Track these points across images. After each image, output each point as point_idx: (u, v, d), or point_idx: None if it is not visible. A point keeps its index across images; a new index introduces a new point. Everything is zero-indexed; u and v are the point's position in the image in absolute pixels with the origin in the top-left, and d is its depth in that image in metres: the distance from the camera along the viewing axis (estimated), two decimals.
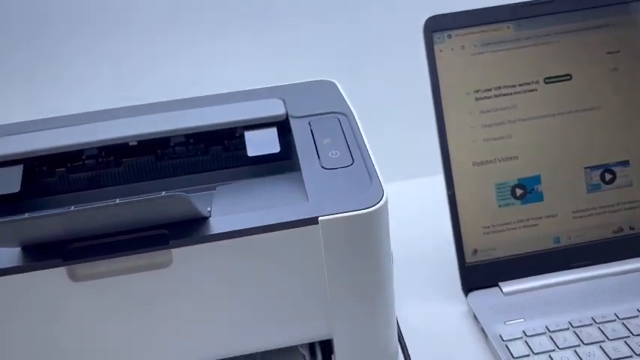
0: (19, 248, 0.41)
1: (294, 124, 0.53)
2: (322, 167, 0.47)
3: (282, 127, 0.54)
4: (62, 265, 0.41)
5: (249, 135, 0.53)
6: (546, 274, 0.57)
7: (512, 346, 0.50)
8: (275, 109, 0.55)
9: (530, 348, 0.50)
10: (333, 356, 0.48)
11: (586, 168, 0.58)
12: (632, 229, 0.59)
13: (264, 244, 0.42)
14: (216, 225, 0.42)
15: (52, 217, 0.37)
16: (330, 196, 0.43)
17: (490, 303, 0.55)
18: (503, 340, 0.51)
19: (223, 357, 0.46)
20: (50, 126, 0.56)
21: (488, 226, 0.58)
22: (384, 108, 0.79)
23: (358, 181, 0.45)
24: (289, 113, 0.54)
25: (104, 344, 0.44)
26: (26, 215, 0.37)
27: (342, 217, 0.42)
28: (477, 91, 0.57)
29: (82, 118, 0.57)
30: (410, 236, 0.67)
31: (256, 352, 0.47)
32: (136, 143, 0.54)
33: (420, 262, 0.63)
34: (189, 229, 0.42)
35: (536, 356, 0.49)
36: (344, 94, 0.57)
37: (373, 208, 0.42)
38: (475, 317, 0.55)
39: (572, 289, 0.55)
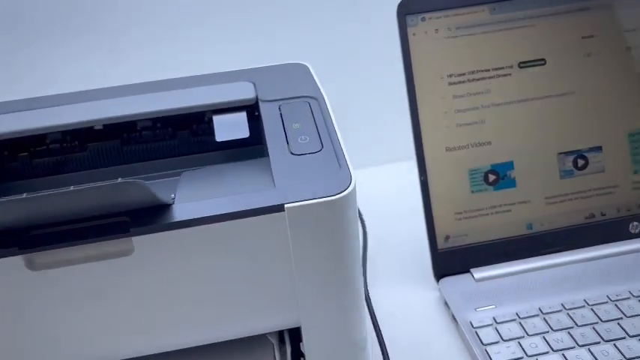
0: None
1: (263, 109, 0.52)
2: (291, 153, 0.46)
3: (252, 111, 0.53)
4: (19, 254, 0.39)
5: (217, 119, 0.52)
6: (518, 261, 0.57)
7: (482, 332, 0.50)
8: (244, 92, 0.54)
9: (499, 335, 0.50)
10: (301, 344, 0.47)
11: (559, 154, 0.58)
12: (604, 215, 0.59)
13: (229, 232, 0.41)
14: (180, 212, 0.41)
15: (4, 205, 0.36)
16: (297, 183, 0.42)
17: (461, 289, 0.55)
18: (473, 327, 0.51)
19: (188, 346, 0.45)
20: (12, 109, 0.54)
21: (461, 212, 0.57)
22: (357, 91, 0.77)
23: (326, 167, 0.44)
24: (259, 97, 0.53)
25: (64, 335, 0.43)
26: None
27: (309, 204, 0.41)
28: (451, 76, 0.56)
29: (45, 102, 0.55)
30: (383, 221, 0.66)
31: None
32: (101, 127, 0.52)
33: (392, 248, 0.63)
34: (152, 216, 0.40)
35: (505, 343, 0.49)
36: (316, 78, 0.56)
37: (340, 195, 0.41)
38: (446, 304, 0.55)
39: (543, 276, 0.55)
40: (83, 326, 0.42)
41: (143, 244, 0.40)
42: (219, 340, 0.46)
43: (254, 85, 0.55)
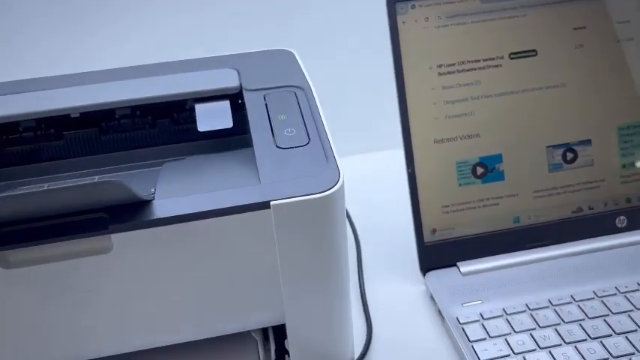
0: None
1: (248, 98, 0.50)
2: (276, 146, 0.44)
3: (236, 100, 0.51)
4: None
5: (199, 108, 0.50)
6: (505, 254, 0.56)
7: (469, 329, 0.49)
8: (228, 80, 0.52)
9: (486, 331, 0.49)
10: (286, 341, 0.46)
11: (548, 147, 0.57)
12: (592, 209, 0.58)
13: (212, 230, 0.39)
14: (160, 209, 0.39)
15: None
16: (283, 179, 0.41)
17: (448, 283, 0.54)
18: (460, 323, 0.50)
19: (169, 344, 0.44)
20: None
21: (448, 206, 0.56)
22: (344, 79, 0.76)
23: (314, 162, 0.42)
24: (243, 85, 0.51)
25: (40, 335, 0.41)
26: None
27: (296, 201, 0.39)
28: (440, 66, 0.55)
29: (20, 86, 0.53)
30: (368, 212, 0.65)
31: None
32: (78, 115, 0.50)
33: (377, 240, 0.62)
34: (131, 213, 0.39)
35: (492, 340, 0.48)
36: (302, 65, 0.55)
37: (328, 192, 0.40)
38: (432, 298, 0.54)
39: (530, 270, 0.55)
40: (59, 326, 0.41)
41: (122, 241, 0.39)
42: (201, 338, 0.45)
43: (238, 72, 0.53)
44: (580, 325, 0.49)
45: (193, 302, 0.42)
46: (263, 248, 0.41)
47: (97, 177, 0.31)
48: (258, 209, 0.39)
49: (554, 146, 0.57)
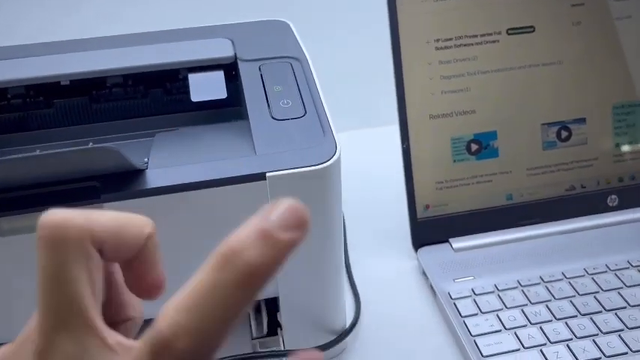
0: None
1: (242, 68, 0.49)
2: (272, 118, 0.43)
3: (230, 70, 0.50)
4: None
5: (193, 78, 0.49)
6: (497, 231, 0.56)
7: (460, 304, 0.50)
8: (222, 50, 0.51)
9: (478, 307, 0.49)
10: (278, 314, 0.46)
11: (543, 125, 0.57)
12: (584, 187, 0.58)
13: (206, 201, 0.39)
14: (153, 178, 0.39)
15: None
16: (279, 150, 0.40)
17: (440, 259, 0.54)
18: (452, 298, 0.50)
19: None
20: None
21: (442, 182, 0.56)
22: (341, 54, 0.75)
23: (310, 134, 0.42)
24: (238, 55, 0.51)
25: (31, 304, 0.40)
26: None
27: (292, 173, 0.39)
28: (438, 40, 0.54)
29: (9, 53, 0.51)
30: (361, 187, 0.65)
31: None
32: (68, 83, 0.49)
33: (370, 215, 0.62)
34: (123, 181, 0.38)
35: (483, 315, 0.49)
36: (297, 37, 0.54)
37: (325, 165, 0.39)
38: (424, 273, 0.54)
39: (522, 247, 0.55)
40: None
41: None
42: None
43: (232, 42, 0.52)
44: (571, 301, 0.49)
45: (186, 276, 0.42)
46: None
47: (90, 144, 0.30)
48: (254, 180, 0.39)
49: (549, 124, 0.57)
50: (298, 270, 0.43)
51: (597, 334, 0.46)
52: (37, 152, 0.29)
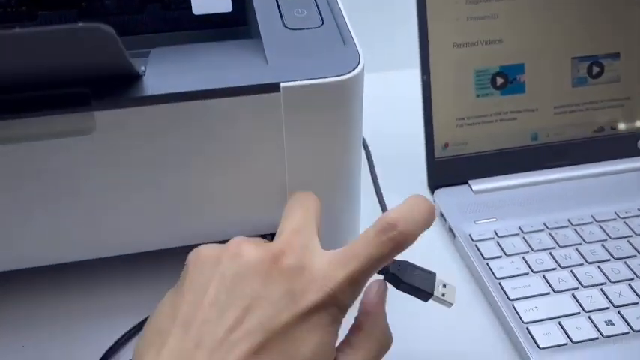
0: None
1: None
2: (285, 27, 0.38)
3: None
4: None
5: None
6: (520, 174, 0.52)
7: (482, 246, 0.46)
8: None
9: (502, 249, 0.45)
10: None
11: (573, 59, 0.52)
12: (614, 129, 0.54)
13: (211, 113, 0.34)
14: (152, 85, 0.34)
15: None
16: (295, 60, 0.36)
17: (458, 201, 0.50)
18: (473, 240, 0.46)
19: (153, 249, 0.39)
20: None
21: (463, 118, 0.52)
22: None
23: (329, 44, 0.37)
24: None
25: (13, 223, 0.36)
26: None
27: (310, 84, 0.34)
28: None
29: None
30: (379, 128, 0.60)
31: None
32: None
33: (385, 155, 0.57)
34: (117, 87, 0.33)
35: (508, 257, 0.45)
36: None
37: (348, 76, 0.35)
38: (442, 215, 0.50)
39: (546, 190, 0.51)
40: (34, 215, 0.36)
41: (107, 121, 0.33)
42: (191, 244, 0.41)
43: None
44: (603, 245, 0.45)
45: (187, 200, 0.37)
46: (269, 138, 0.36)
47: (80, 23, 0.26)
48: (266, 91, 0.34)
49: (580, 58, 0.52)
50: (316, 193, 0.38)
51: (633, 279, 0.43)
52: (16, 29, 0.24)
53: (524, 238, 0.46)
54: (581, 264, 0.44)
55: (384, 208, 0.49)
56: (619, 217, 0.48)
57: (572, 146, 0.53)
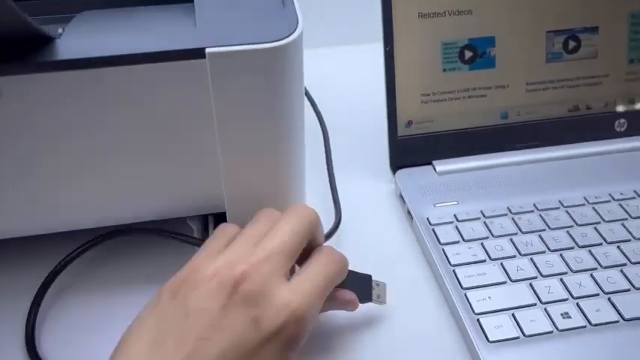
0: None
1: None
2: None
3: None
4: None
5: None
6: (488, 154, 0.49)
7: (439, 230, 0.43)
8: None
9: (460, 234, 0.43)
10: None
11: (548, 32, 0.49)
12: (589, 108, 0.51)
13: (131, 81, 0.31)
14: (67, 49, 0.31)
15: None
16: (225, 24, 0.33)
17: (420, 182, 0.47)
18: (430, 223, 0.44)
19: (79, 228, 0.36)
20: None
21: (428, 94, 0.49)
22: None
23: (266, 6, 0.34)
24: None
25: None
26: None
27: (240, 50, 0.31)
28: None
29: None
30: (337, 104, 0.57)
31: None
32: None
33: (347, 133, 0.55)
34: (27, 51, 0.30)
35: (466, 243, 0.42)
36: None
37: (281, 42, 0.32)
38: (402, 197, 0.47)
39: (515, 173, 0.48)
40: None
41: (13, 87, 0.30)
42: (122, 223, 0.38)
43: None
44: (568, 232, 0.43)
45: (106, 176, 0.34)
46: (195, 108, 0.33)
47: None
48: (190, 58, 0.31)
49: (555, 32, 0.49)
50: (248, 176, 0.36)
51: (596, 268, 0.40)
52: None
53: (484, 223, 0.44)
54: (543, 252, 0.41)
55: (333, 188, 0.46)
56: (588, 202, 0.45)
57: (545, 126, 0.50)
